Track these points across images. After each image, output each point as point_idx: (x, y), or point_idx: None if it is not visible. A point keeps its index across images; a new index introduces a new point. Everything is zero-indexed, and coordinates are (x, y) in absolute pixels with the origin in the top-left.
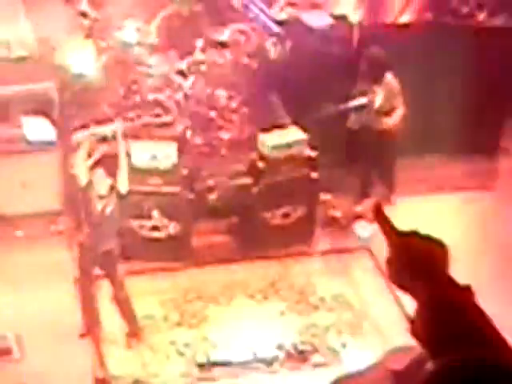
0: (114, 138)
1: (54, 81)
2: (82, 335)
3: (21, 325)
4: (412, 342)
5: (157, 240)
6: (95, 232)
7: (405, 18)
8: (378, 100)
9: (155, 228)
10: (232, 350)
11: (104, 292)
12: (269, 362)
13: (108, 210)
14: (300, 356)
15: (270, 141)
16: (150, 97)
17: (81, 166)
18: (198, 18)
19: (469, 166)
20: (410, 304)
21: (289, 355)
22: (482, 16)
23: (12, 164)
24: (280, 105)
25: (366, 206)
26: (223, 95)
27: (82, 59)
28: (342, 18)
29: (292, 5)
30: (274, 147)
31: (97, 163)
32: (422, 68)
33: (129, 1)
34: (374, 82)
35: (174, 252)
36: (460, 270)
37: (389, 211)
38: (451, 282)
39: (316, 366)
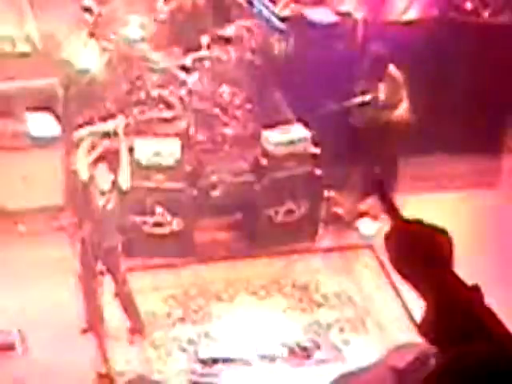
0: (116, 134)
1: (58, 76)
2: (84, 330)
3: (23, 320)
4: (414, 339)
5: (160, 236)
6: (97, 228)
7: (410, 15)
8: (383, 93)
9: (158, 224)
10: (235, 346)
11: (107, 288)
12: (272, 359)
13: (110, 206)
14: (303, 353)
15: (273, 137)
16: (154, 93)
17: (82, 162)
18: (202, 13)
19: (472, 165)
20: (413, 301)
21: (292, 352)
22: (486, 13)
23: (16, 159)
24: (284, 101)
25: (369, 203)
26: (227, 91)
27: (86, 55)
28: (346, 15)
29: (296, 1)
30: (278, 144)
31: (99, 159)
32: (425, 65)
33: None
34: (377, 79)
35: (177, 248)
36: (462, 269)
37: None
38: (457, 279)
39: (319, 362)
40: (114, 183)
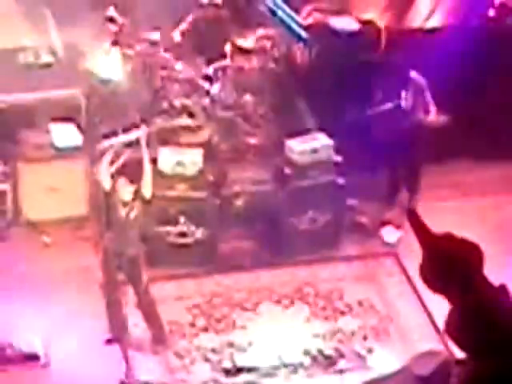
0: (139, 143)
1: (81, 87)
2: (108, 341)
3: (47, 330)
4: (437, 347)
5: (183, 246)
6: (119, 237)
7: (432, 23)
8: (405, 100)
9: (182, 234)
10: (258, 355)
11: (132, 297)
12: (295, 368)
13: (132, 215)
14: (326, 361)
15: (296, 146)
16: (177, 102)
17: (105, 173)
18: (224, 23)
19: (496, 171)
20: (437, 309)
21: (315, 360)
22: (508, 20)
23: (40, 170)
24: (307, 110)
25: (392, 212)
26: (250, 101)
27: (109, 65)
28: (369, 23)
29: (319, 10)
30: (301, 153)
31: (120, 169)
32: (448, 72)
33: (155, 6)
34: (400, 87)
35: (201, 258)
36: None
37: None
38: (487, 283)
39: (342, 371)
40: (137, 193)
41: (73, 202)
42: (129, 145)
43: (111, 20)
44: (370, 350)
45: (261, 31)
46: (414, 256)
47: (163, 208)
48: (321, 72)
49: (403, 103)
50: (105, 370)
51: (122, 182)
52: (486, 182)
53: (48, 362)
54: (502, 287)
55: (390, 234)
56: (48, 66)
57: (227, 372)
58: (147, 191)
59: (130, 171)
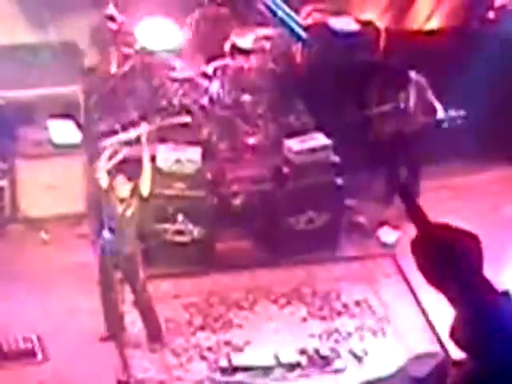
0: (138, 141)
1: (79, 85)
2: (103, 339)
3: (45, 327)
4: (434, 348)
5: (181, 244)
6: (116, 235)
7: (432, 25)
8: (412, 99)
9: (179, 232)
10: (254, 354)
11: (129, 295)
12: (291, 367)
13: (129, 213)
14: (322, 361)
15: (294, 146)
16: (176, 101)
17: (102, 170)
18: (224, 22)
19: (495, 172)
20: (434, 310)
21: (311, 360)
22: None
23: (38, 167)
24: (305, 110)
25: (390, 212)
26: (249, 100)
27: (109, 63)
28: (368, 24)
29: (319, 10)
30: (299, 152)
31: (118, 167)
32: (447, 74)
33: (156, 5)
34: (400, 88)
35: (198, 256)
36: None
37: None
38: (489, 285)
39: (338, 371)
40: (134, 190)
41: (71, 199)
42: (128, 143)
43: (111, 18)
44: (366, 351)
45: (260, 31)
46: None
47: (161, 206)
48: (320, 72)
49: (402, 104)
50: (102, 367)
51: (120, 179)
52: (484, 183)
53: (45, 358)
54: (506, 293)
55: (387, 235)
56: (47, 63)
57: (223, 371)
58: (145, 189)
59: (128, 169)
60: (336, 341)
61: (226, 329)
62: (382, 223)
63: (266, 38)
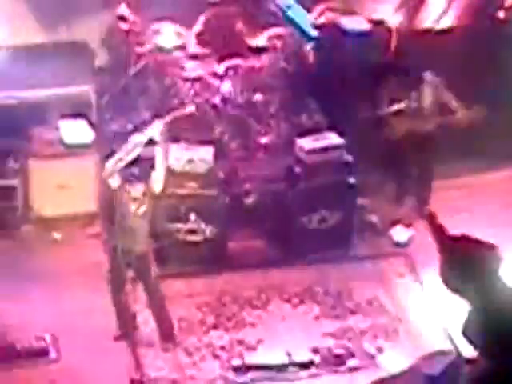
0: (151, 141)
1: (92, 84)
2: (116, 338)
3: (57, 326)
4: (447, 346)
5: (193, 243)
6: (128, 234)
7: (443, 24)
8: (427, 100)
9: (192, 231)
10: (267, 353)
11: (140, 294)
12: (304, 366)
13: (141, 211)
14: (336, 360)
15: (306, 145)
16: (188, 100)
17: (113, 170)
18: (235, 21)
19: (506, 171)
20: (446, 309)
21: (324, 359)
22: None
23: (50, 166)
24: (317, 109)
25: (403, 211)
26: (260, 99)
27: (121, 63)
28: (380, 23)
29: (330, 10)
30: (311, 152)
31: (129, 165)
32: (459, 73)
33: (167, 5)
34: (412, 88)
35: (211, 255)
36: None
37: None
38: (504, 286)
39: (352, 370)
40: (146, 189)
41: (83, 199)
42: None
43: (122, 18)
44: (379, 349)
45: (272, 30)
46: (424, 255)
47: (173, 205)
48: (331, 71)
49: (414, 104)
50: (114, 366)
51: (132, 178)
52: (496, 182)
53: (58, 357)
54: None
55: (400, 234)
56: (58, 63)
57: (236, 369)
58: (157, 186)
59: (141, 167)
60: (349, 339)
61: (239, 328)
62: (394, 222)
63: (278, 36)
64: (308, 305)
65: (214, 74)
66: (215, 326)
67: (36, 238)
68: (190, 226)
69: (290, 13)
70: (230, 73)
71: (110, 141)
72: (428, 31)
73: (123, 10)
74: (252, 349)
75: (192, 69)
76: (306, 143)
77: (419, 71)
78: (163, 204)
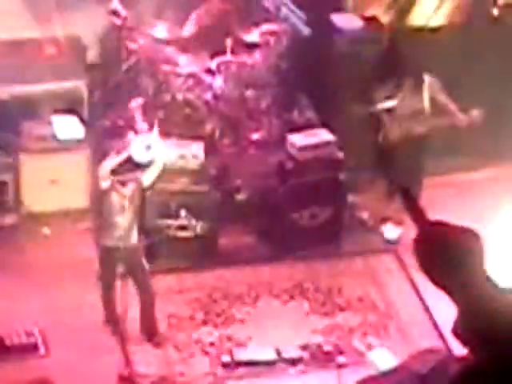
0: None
1: (84, 79)
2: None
3: (47, 321)
4: (436, 344)
5: (184, 239)
6: (119, 229)
7: (436, 21)
8: (424, 101)
9: (182, 227)
10: (257, 349)
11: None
12: (293, 363)
13: (132, 207)
14: (325, 357)
15: (298, 142)
16: (180, 96)
17: (106, 171)
18: (228, 17)
19: (497, 170)
20: (436, 306)
21: (313, 356)
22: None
23: (41, 162)
24: (309, 106)
25: (393, 208)
26: (252, 95)
27: (112, 59)
28: (372, 20)
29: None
30: (303, 148)
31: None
32: (452, 71)
33: (160, 1)
34: (415, 89)
35: (201, 251)
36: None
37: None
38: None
39: (341, 366)
40: (136, 184)
41: (74, 194)
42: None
43: (115, 13)
44: (368, 347)
45: (265, 26)
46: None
47: (164, 201)
48: (323, 68)
49: (407, 101)
50: (103, 361)
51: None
52: (486, 181)
53: (47, 352)
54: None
55: (390, 231)
56: (52, 58)
57: (226, 366)
58: (147, 179)
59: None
60: (338, 336)
61: (229, 324)
62: (384, 219)
63: (271, 33)
64: (298, 301)
65: (206, 70)
66: (205, 322)
67: (26, 233)
68: (180, 222)
69: (284, 9)
70: (222, 69)
71: (101, 136)
72: (420, 28)
73: (116, 5)
74: (241, 345)
75: (184, 65)
76: (297, 140)
77: (421, 73)
78: (154, 200)
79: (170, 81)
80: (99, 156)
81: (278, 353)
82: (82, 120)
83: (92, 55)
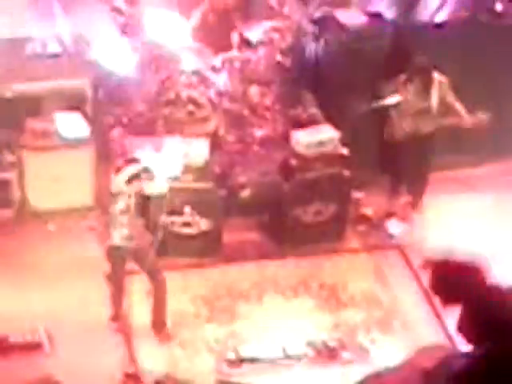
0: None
1: (88, 77)
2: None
3: (52, 319)
4: (441, 340)
5: (188, 236)
6: (126, 227)
7: (441, 17)
8: (433, 100)
9: (187, 224)
10: (262, 346)
11: (137, 286)
12: (298, 359)
13: (135, 207)
14: (329, 353)
15: (302, 138)
16: (184, 93)
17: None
18: (232, 14)
19: (503, 165)
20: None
21: (318, 352)
22: None
23: (45, 159)
24: (313, 102)
25: (397, 204)
26: (256, 92)
27: (117, 56)
28: (376, 16)
29: (327, 3)
30: (307, 145)
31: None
32: (456, 66)
33: None
34: (424, 88)
35: (205, 248)
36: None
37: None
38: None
39: (345, 363)
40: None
41: (78, 192)
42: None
43: (118, 11)
44: (373, 343)
45: (269, 23)
46: (418, 249)
47: (169, 198)
48: (328, 65)
49: (413, 100)
50: (108, 359)
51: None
52: (492, 176)
53: (52, 350)
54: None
55: (394, 227)
56: (55, 56)
57: (231, 363)
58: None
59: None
60: (343, 333)
61: (233, 321)
62: (389, 215)
63: (275, 30)
64: (302, 298)
65: (211, 67)
66: (209, 319)
67: (31, 230)
68: (184, 218)
69: (288, 6)
70: (226, 66)
71: (105, 134)
72: (425, 24)
73: (119, 2)
74: (246, 342)
75: (188, 61)
76: (301, 136)
77: (431, 71)
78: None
79: (174, 78)
80: (103, 154)
81: (283, 349)
82: (86, 117)
83: (96, 52)
